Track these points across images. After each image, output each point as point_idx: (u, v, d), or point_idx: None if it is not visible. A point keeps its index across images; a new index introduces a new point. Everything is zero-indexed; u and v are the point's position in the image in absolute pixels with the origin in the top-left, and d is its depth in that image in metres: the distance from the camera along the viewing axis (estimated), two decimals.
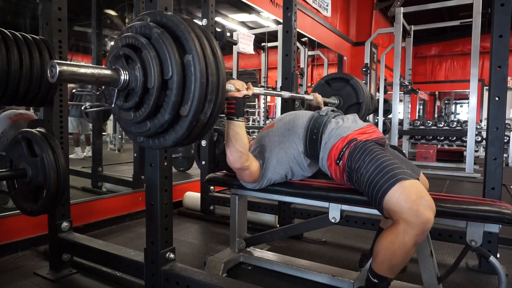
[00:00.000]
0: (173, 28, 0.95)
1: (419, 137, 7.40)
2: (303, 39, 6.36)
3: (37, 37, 1.61)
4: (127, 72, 0.97)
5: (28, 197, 1.67)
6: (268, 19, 6.23)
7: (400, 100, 6.20)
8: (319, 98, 2.16)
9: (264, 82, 7.16)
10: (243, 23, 8.26)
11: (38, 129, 1.67)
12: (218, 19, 7.50)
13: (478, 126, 7.15)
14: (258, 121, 8.69)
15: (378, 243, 1.24)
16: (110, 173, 3.79)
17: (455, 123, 8.02)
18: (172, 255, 1.48)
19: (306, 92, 2.28)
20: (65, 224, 1.79)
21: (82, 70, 0.88)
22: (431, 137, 7.36)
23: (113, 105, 1.02)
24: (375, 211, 1.37)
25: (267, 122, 7.50)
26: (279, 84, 4.68)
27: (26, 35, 1.58)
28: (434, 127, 7.45)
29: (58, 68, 0.83)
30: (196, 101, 0.92)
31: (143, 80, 0.94)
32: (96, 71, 0.92)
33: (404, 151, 5.18)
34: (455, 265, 1.35)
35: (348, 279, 1.61)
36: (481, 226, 1.30)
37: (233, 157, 1.44)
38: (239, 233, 1.90)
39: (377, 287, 1.26)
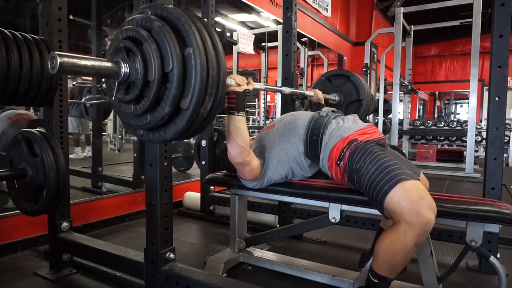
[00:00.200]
0: (174, 21, 0.95)
1: (419, 137, 7.40)
2: (303, 39, 6.35)
3: (37, 37, 1.61)
4: (127, 65, 0.97)
5: (28, 197, 1.67)
6: (268, 19, 6.23)
7: (400, 100, 6.20)
8: (320, 94, 2.16)
9: (264, 82, 7.17)
10: (243, 23, 8.26)
11: (38, 129, 1.67)
12: (218, 19, 7.50)
13: (478, 126, 7.16)
14: (258, 121, 8.69)
15: (378, 243, 1.24)
16: (110, 173, 3.79)
17: (455, 123, 8.02)
18: (172, 255, 1.48)
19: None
20: (65, 224, 1.79)
21: (83, 62, 0.88)
22: (431, 137, 7.36)
23: (113, 98, 1.02)
24: (375, 211, 1.37)
25: (267, 122, 7.50)
26: (279, 84, 4.68)
27: (26, 35, 1.58)
28: (434, 127, 7.45)
29: (59, 60, 0.83)
30: (197, 94, 0.92)
31: (144, 73, 0.94)
32: (96, 63, 0.92)
33: (404, 151, 5.19)
34: (455, 265, 1.35)
35: (348, 279, 1.61)
36: (481, 226, 1.30)
37: (234, 152, 1.45)
38: (239, 233, 1.90)
39: (377, 287, 1.26)
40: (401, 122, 6.15)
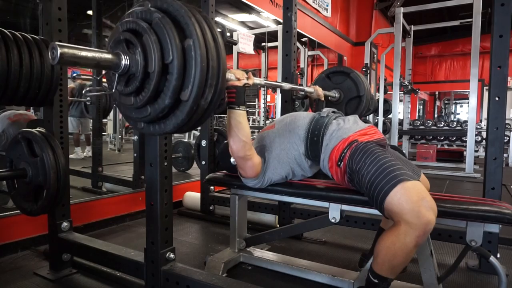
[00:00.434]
0: (174, 13, 0.95)
1: (419, 137, 7.40)
2: (303, 39, 6.35)
3: (37, 37, 1.61)
4: (127, 57, 0.97)
5: (28, 197, 1.67)
6: (268, 19, 6.22)
7: (400, 100, 6.21)
8: (320, 90, 2.17)
9: None
10: (243, 23, 8.26)
11: (38, 129, 1.67)
12: (218, 19, 7.50)
13: (478, 126, 7.16)
14: (258, 121, 8.69)
15: (379, 243, 1.24)
16: (110, 173, 3.79)
17: (455, 123, 8.03)
18: (172, 255, 1.48)
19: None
20: (65, 224, 1.79)
21: (83, 53, 0.88)
22: (431, 137, 7.36)
23: (113, 90, 1.02)
24: (375, 211, 1.37)
25: (267, 122, 7.49)
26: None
27: (26, 35, 1.58)
28: (434, 127, 7.45)
29: (59, 50, 0.83)
30: (197, 85, 0.93)
31: (144, 65, 0.94)
32: (97, 54, 0.92)
33: (404, 151, 5.19)
34: (455, 265, 1.35)
35: (348, 279, 1.61)
36: (481, 226, 1.30)
37: (236, 146, 1.45)
38: (239, 233, 1.90)
39: (377, 287, 1.26)
40: (401, 122, 6.15)
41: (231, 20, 7.95)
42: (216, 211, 2.81)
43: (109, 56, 0.95)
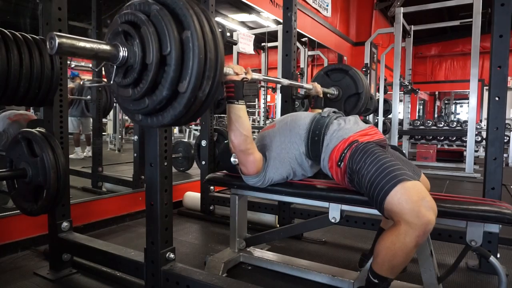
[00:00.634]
0: (172, 5, 0.95)
1: (419, 137, 7.40)
2: (303, 39, 6.35)
3: (37, 37, 1.61)
4: (126, 49, 0.97)
5: (28, 197, 1.67)
6: (268, 19, 6.22)
7: (400, 100, 6.21)
8: (318, 87, 2.18)
9: (264, 82, 7.16)
10: (243, 23, 8.25)
11: (38, 129, 1.67)
12: (218, 19, 7.50)
13: (478, 126, 7.16)
14: (258, 121, 8.69)
15: (379, 243, 1.24)
16: (110, 173, 3.79)
17: (455, 123, 8.03)
18: (172, 255, 1.48)
19: (306, 92, 2.28)
20: (65, 224, 1.79)
21: (81, 44, 0.88)
22: (431, 137, 7.36)
23: (111, 82, 1.02)
24: (375, 211, 1.37)
25: (267, 122, 7.49)
26: (279, 85, 4.67)
27: (26, 35, 1.58)
28: (434, 127, 7.45)
29: (57, 40, 0.83)
30: (194, 77, 0.93)
31: (142, 56, 0.95)
32: (95, 45, 0.92)
33: (404, 151, 5.19)
34: (455, 265, 1.35)
35: (348, 279, 1.61)
36: (481, 226, 1.30)
37: (237, 140, 1.46)
38: (239, 233, 1.90)
39: (377, 287, 1.26)
40: (401, 122, 6.15)
41: (231, 20, 7.95)
42: (216, 211, 2.81)
43: (107, 47, 0.96)
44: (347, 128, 1.49)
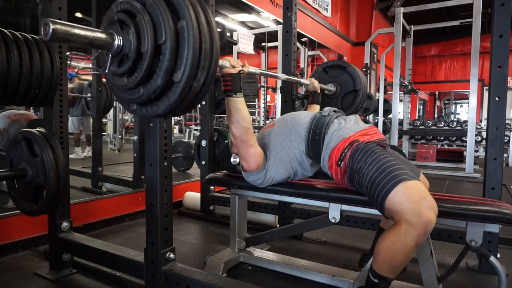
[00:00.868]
0: None
1: (419, 137, 7.40)
2: (303, 39, 6.36)
3: (37, 37, 1.61)
4: (121, 37, 0.97)
5: (28, 197, 1.67)
6: (268, 19, 6.22)
7: (400, 100, 6.21)
8: (316, 83, 2.19)
9: (264, 82, 7.16)
10: (243, 23, 8.25)
11: (38, 129, 1.67)
12: (218, 19, 7.49)
13: (478, 126, 7.16)
14: (258, 121, 8.68)
15: (379, 243, 1.24)
16: (110, 173, 3.79)
17: (455, 123, 8.03)
18: (172, 255, 1.48)
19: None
20: (65, 224, 1.79)
21: (76, 31, 0.88)
22: (431, 137, 7.36)
23: (106, 71, 1.03)
24: (375, 211, 1.37)
25: (267, 122, 7.49)
26: (279, 84, 4.68)
27: (26, 35, 1.58)
28: (434, 127, 7.45)
29: (51, 26, 0.83)
30: (189, 67, 0.93)
31: (137, 45, 0.95)
32: (90, 33, 0.92)
33: (404, 151, 5.19)
34: (455, 265, 1.35)
35: (348, 279, 1.61)
36: (481, 226, 1.30)
37: (238, 132, 1.47)
38: (239, 233, 1.90)
39: (377, 287, 1.26)
40: (401, 122, 6.15)
41: (231, 20, 7.95)
42: (216, 211, 2.81)
43: (102, 35, 0.96)
44: (347, 127, 1.49)
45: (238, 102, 1.45)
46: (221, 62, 1.41)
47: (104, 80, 3.54)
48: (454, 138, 7.38)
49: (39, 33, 1.75)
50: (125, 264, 1.57)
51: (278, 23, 5.18)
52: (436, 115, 15.44)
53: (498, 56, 1.83)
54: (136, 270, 1.53)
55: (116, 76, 1.03)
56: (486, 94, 7.33)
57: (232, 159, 1.60)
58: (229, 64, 1.43)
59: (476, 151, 6.53)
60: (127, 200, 2.80)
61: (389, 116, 5.55)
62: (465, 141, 5.09)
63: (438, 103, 15.91)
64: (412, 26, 5.77)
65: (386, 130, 5.57)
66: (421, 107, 15.31)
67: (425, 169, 5.01)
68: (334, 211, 1.53)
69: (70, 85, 4.74)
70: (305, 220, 1.96)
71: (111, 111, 6.53)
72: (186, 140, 6.81)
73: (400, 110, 6.36)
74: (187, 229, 2.56)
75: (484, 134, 6.77)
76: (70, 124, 4.97)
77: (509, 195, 3.82)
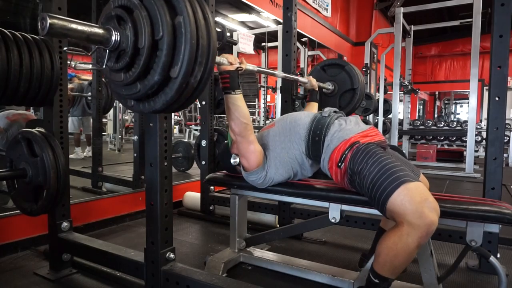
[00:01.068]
0: None
1: (419, 137, 7.40)
2: (303, 39, 6.36)
3: (37, 37, 1.61)
4: (118, 33, 0.97)
5: (28, 197, 1.67)
6: (268, 19, 6.23)
7: (400, 100, 6.21)
8: (314, 81, 2.19)
9: (264, 82, 7.16)
10: (243, 23, 8.26)
11: (38, 129, 1.67)
12: (218, 19, 7.50)
13: (478, 126, 7.16)
14: (258, 121, 8.68)
15: (380, 244, 1.23)
16: (110, 173, 3.79)
17: (455, 123, 8.03)
18: (172, 255, 1.48)
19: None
20: (65, 224, 1.79)
21: (73, 25, 0.89)
22: (431, 137, 7.36)
23: (104, 66, 1.03)
24: (375, 211, 1.37)
25: (267, 122, 7.49)
26: (279, 84, 4.68)
27: (26, 35, 1.58)
28: (434, 127, 7.45)
29: (49, 21, 0.83)
30: (186, 62, 0.93)
31: (134, 40, 0.95)
32: (87, 28, 0.93)
33: (404, 151, 5.19)
34: (455, 265, 1.35)
35: (348, 279, 1.61)
36: (481, 226, 1.30)
37: (238, 128, 1.48)
38: (239, 233, 1.90)
39: (378, 287, 1.26)
40: (401, 122, 6.15)
41: (231, 20, 7.95)
42: (216, 211, 2.81)
43: (99, 30, 0.96)
44: (348, 129, 1.49)
45: (237, 99, 1.46)
46: (219, 59, 1.41)
47: (104, 79, 3.54)
48: (454, 138, 7.38)
49: (39, 33, 1.75)
50: (125, 264, 1.57)
51: (278, 23, 5.18)
52: (436, 115, 15.44)
53: (498, 56, 1.83)
54: (136, 270, 1.53)
55: (114, 72, 1.03)
56: (486, 94, 7.33)
57: (232, 160, 1.59)
58: (226, 61, 1.43)
59: (476, 151, 6.53)
60: (127, 200, 2.80)
61: (389, 116, 5.55)
62: (465, 141, 5.09)
63: (438, 103, 15.91)
64: (412, 26, 5.77)
65: (386, 130, 5.57)
66: (421, 107, 15.32)
67: (425, 169, 5.02)
68: (334, 211, 1.53)
69: (69, 85, 4.74)
70: (305, 220, 1.96)
71: (111, 111, 6.53)
72: (186, 140, 6.81)
73: (400, 110, 6.36)
74: (187, 229, 2.56)
75: (484, 134, 6.77)
76: (70, 124, 4.98)
77: (509, 195, 3.82)
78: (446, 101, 15.38)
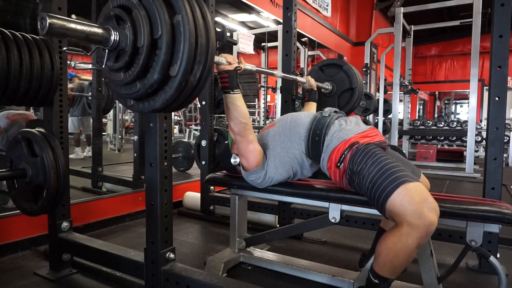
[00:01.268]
0: None
1: (419, 137, 7.40)
2: (303, 39, 6.35)
3: (37, 37, 1.61)
4: (117, 33, 0.98)
5: (28, 197, 1.67)
6: (268, 19, 6.23)
7: (400, 100, 6.21)
8: (312, 81, 2.19)
9: (264, 82, 7.16)
10: (243, 23, 8.26)
11: (38, 129, 1.67)
12: (218, 19, 7.50)
13: (478, 126, 7.16)
14: (258, 121, 8.68)
15: (380, 244, 1.23)
16: (110, 173, 3.79)
17: (455, 123, 8.04)
18: (172, 255, 1.48)
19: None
20: (65, 224, 1.79)
21: (72, 25, 0.89)
22: (431, 137, 7.36)
23: (103, 66, 1.03)
24: (375, 211, 1.37)
25: (267, 122, 7.49)
26: (279, 84, 4.68)
27: (26, 35, 1.58)
28: (434, 127, 7.46)
29: (48, 20, 0.83)
30: (185, 61, 0.94)
31: (133, 39, 0.95)
32: (86, 28, 0.93)
33: (404, 151, 5.19)
34: (455, 265, 1.35)
35: (348, 279, 1.61)
36: (481, 226, 1.30)
37: (237, 128, 1.48)
38: (239, 233, 1.90)
39: (377, 287, 1.26)
40: (401, 122, 6.15)
41: (231, 20, 7.95)
42: (216, 211, 2.81)
43: (99, 30, 0.96)
44: (348, 129, 1.49)
45: (236, 99, 1.46)
46: (218, 59, 1.41)
47: (104, 79, 3.54)
48: (454, 138, 7.38)
49: (39, 32, 1.75)
50: (125, 264, 1.57)
51: (278, 23, 5.18)
52: (436, 115, 15.44)
53: (498, 56, 1.83)
54: (136, 270, 1.53)
55: (113, 72, 1.03)
56: (486, 94, 7.33)
57: (232, 160, 1.59)
58: (225, 61, 1.43)
59: (476, 151, 6.54)
60: (127, 200, 2.80)
61: (389, 116, 5.55)
62: (465, 141, 5.09)
63: (438, 103, 15.92)
64: (412, 26, 5.77)
65: (386, 130, 5.57)
66: (421, 107, 15.32)
67: (425, 169, 5.01)
68: (334, 211, 1.53)
69: (69, 85, 4.74)
70: (305, 220, 1.96)
71: (111, 111, 6.53)
72: (186, 140, 6.81)
73: (400, 110, 6.35)
74: (187, 229, 2.56)
75: (484, 134, 6.77)
76: (70, 124, 4.98)
77: (509, 195, 3.82)
78: (446, 101, 15.38)
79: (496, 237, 1.81)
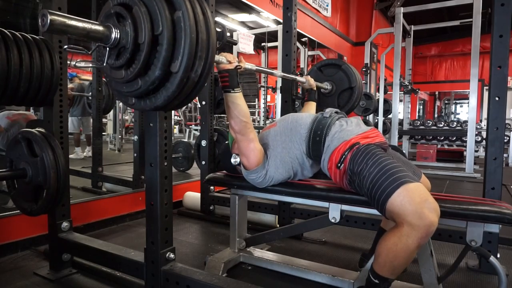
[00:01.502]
0: None
1: (419, 137, 7.41)
2: (303, 39, 6.35)
3: (37, 37, 1.61)
4: (118, 30, 0.98)
5: (28, 197, 1.67)
6: (268, 19, 6.23)
7: (400, 100, 6.21)
8: (311, 81, 2.20)
9: (264, 82, 7.16)
10: (243, 23, 8.26)
11: (38, 129, 1.67)
12: (218, 19, 7.50)
13: (478, 126, 7.16)
14: (258, 121, 8.68)
15: (380, 244, 1.23)
16: (110, 173, 3.79)
17: (455, 123, 8.04)
18: (172, 255, 1.48)
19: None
20: (65, 224, 1.79)
21: (73, 22, 0.89)
22: (431, 137, 7.36)
23: (104, 64, 1.03)
24: (375, 211, 1.37)
25: (267, 122, 7.49)
26: (279, 84, 4.68)
27: (26, 35, 1.58)
28: (434, 127, 7.46)
29: (49, 17, 0.84)
30: (186, 57, 0.94)
31: (134, 36, 0.95)
32: (87, 25, 0.93)
33: (404, 151, 5.19)
34: (455, 265, 1.35)
35: (348, 279, 1.61)
36: (481, 226, 1.30)
37: (238, 126, 1.48)
38: (239, 233, 1.90)
39: (377, 287, 1.26)
40: (401, 122, 6.16)
41: (231, 20, 7.95)
42: (216, 211, 2.81)
43: (100, 27, 0.96)
44: (348, 129, 1.49)
45: (236, 98, 1.46)
46: (218, 58, 1.42)
47: (104, 79, 3.54)
48: (454, 138, 7.38)
49: (39, 33, 1.75)
50: (125, 264, 1.57)
51: (278, 23, 5.18)
52: (436, 115, 15.44)
53: (498, 56, 1.83)
54: (136, 270, 1.53)
55: (114, 69, 1.03)
56: (486, 94, 7.33)
57: (232, 160, 1.59)
58: (225, 60, 1.44)
59: (476, 151, 6.53)
60: (127, 200, 2.80)
61: (389, 116, 5.55)
62: (465, 141, 5.09)
63: (438, 103, 15.92)
64: (412, 26, 5.77)
65: (386, 130, 5.57)
66: (421, 107, 15.32)
67: (425, 169, 5.01)
68: (334, 211, 1.53)
69: (70, 85, 4.74)
70: (305, 220, 1.96)
71: (111, 111, 6.53)
72: (186, 140, 6.81)
73: (400, 110, 6.36)
74: (187, 229, 2.56)
75: (484, 134, 6.77)
76: (70, 124, 4.98)
77: (509, 195, 3.82)
78: (446, 101, 15.39)
79: (496, 237, 1.81)
